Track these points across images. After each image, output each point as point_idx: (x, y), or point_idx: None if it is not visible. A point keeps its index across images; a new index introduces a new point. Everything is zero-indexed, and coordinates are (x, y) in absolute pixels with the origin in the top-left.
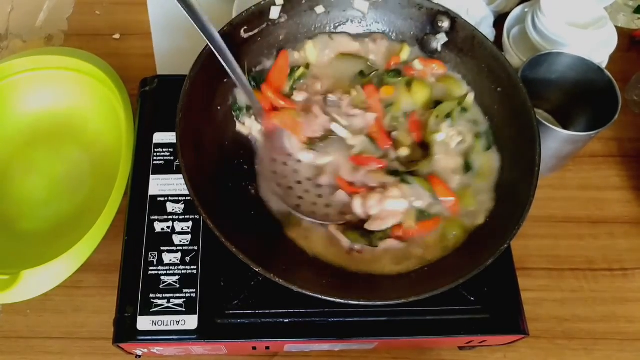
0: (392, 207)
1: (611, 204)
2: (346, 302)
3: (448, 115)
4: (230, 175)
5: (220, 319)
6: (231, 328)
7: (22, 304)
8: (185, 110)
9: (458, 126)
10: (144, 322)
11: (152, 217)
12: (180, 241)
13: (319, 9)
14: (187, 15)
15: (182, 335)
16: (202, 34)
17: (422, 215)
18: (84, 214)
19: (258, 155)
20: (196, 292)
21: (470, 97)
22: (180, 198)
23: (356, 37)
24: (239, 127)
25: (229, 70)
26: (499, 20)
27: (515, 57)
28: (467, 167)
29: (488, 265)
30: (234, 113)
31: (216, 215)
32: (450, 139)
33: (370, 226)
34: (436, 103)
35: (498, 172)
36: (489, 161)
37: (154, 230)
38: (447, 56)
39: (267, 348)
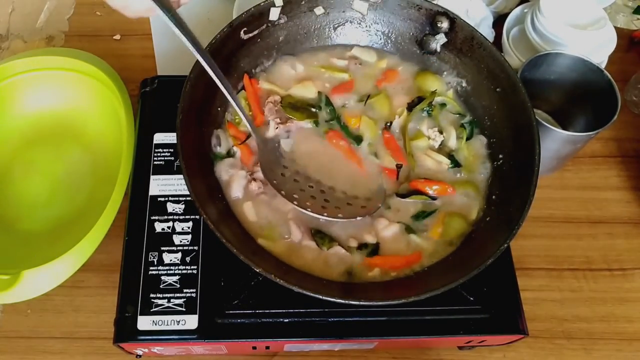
0: (388, 234)
1: (610, 204)
2: (346, 302)
3: (429, 114)
4: None
5: (221, 318)
6: (231, 328)
7: (22, 303)
8: (185, 111)
9: (441, 122)
10: (144, 322)
11: (153, 217)
12: (181, 241)
13: (318, 10)
14: (179, 34)
15: (183, 335)
16: (195, 53)
17: (421, 215)
18: (85, 214)
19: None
20: (196, 292)
21: (449, 92)
22: (180, 198)
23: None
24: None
25: (221, 87)
26: (499, 21)
27: (514, 57)
28: (454, 163)
29: (488, 265)
30: (212, 158)
31: (216, 215)
32: (434, 141)
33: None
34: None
35: (486, 157)
36: (474, 150)
37: (155, 230)
38: (446, 56)
39: (267, 348)
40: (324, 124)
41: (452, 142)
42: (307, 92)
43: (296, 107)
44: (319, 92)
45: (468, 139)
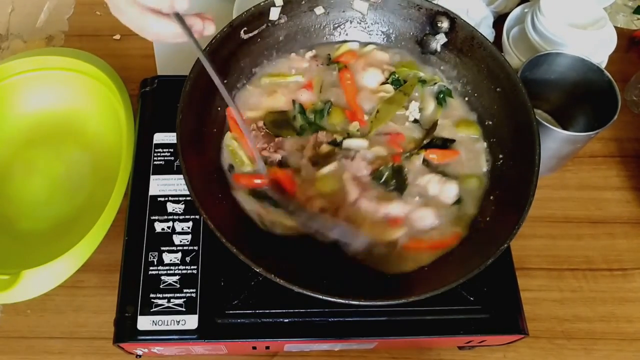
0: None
1: (611, 204)
2: (346, 302)
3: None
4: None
5: (221, 318)
6: (231, 328)
7: (22, 303)
8: (185, 111)
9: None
10: (144, 322)
11: (153, 217)
12: (181, 241)
13: (319, 10)
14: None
15: (182, 335)
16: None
17: None
18: (85, 214)
19: None
20: (196, 292)
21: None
22: (180, 198)
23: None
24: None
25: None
26: (499, 21)
27: (514, 57)
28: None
29: (488, 266)
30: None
31: (216, 215)
32: (409, 113)
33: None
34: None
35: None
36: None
37: (154, 230)
38: (446, 56)
39: (267, 348)
40: (306, 132)
41: (429, 112)
42: (279, 103)
43: (278, 124)
44: (293, 101)
45: (440, 104)
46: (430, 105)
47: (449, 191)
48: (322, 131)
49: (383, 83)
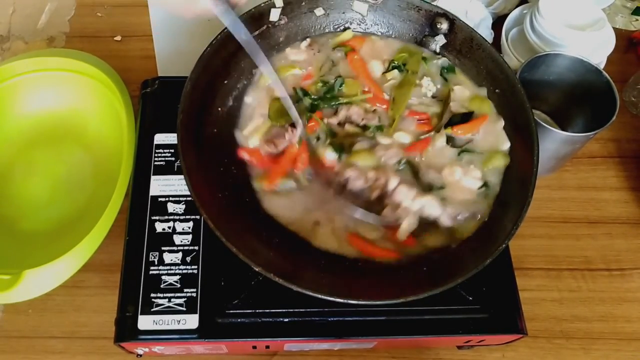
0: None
1: (609, 204)
2: (346, 302)
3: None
4: (230, 175)
5: (221, 318)
6: (231, 327)
7: (23, 303)
8: (186, 112)
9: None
10: (145, 322)
11: (153, 218)
12: (181, 241)
13: (319, 11)
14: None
15: (183, 334)
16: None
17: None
18: (86, 215)
19: None
20: (197, 292)
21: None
22: (181, 198)
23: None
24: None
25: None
26: (498, 22)
27: (513, 58)
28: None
29: (486, 265)
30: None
31: (217, 215)
32: (426, 89)
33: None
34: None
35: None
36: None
37: (155, 230)
38: (445, 58)
39: (267, 347)
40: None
41: (440, 85)
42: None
43: (283, 111)
44: (294, 88)
45: (445, 79)
46: (438, 78)
47: (473, 176)
48: (353, 106)
49: (384, 72)
